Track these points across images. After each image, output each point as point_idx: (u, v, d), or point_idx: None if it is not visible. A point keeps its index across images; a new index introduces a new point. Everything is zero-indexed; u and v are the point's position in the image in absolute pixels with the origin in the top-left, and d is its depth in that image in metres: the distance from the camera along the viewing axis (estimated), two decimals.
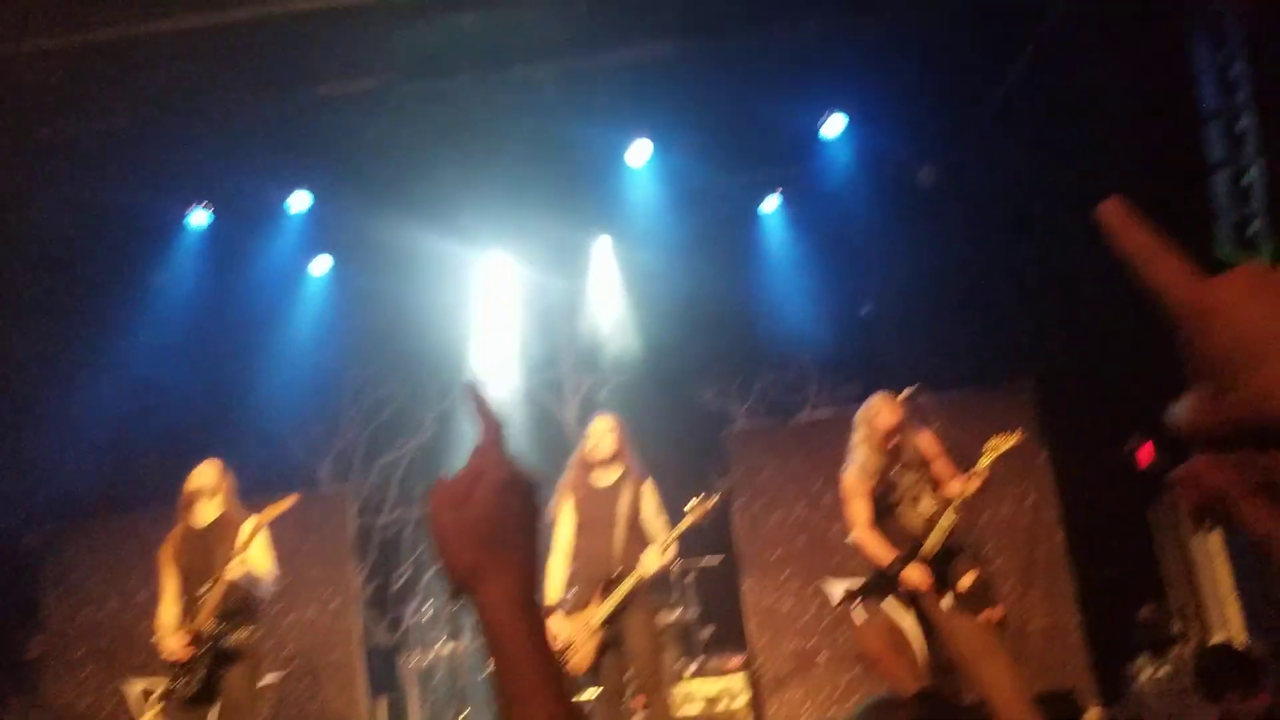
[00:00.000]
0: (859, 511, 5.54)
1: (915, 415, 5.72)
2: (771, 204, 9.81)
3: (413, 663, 8.02)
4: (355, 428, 9.61)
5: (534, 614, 0.92)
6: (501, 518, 0.93)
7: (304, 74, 7.19)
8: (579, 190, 9.10)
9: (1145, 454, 8.48)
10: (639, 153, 8.80)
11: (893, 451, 5.53)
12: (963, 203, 9.32)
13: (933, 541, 5.37)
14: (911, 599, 5.32)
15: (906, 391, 5.96)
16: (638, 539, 5.89)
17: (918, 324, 9.40)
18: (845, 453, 7.01)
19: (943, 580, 5.38)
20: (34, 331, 8.04)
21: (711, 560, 8.24)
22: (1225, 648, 5.28)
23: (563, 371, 10.09)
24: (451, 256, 9.25)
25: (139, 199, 8.17)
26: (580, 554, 5.93)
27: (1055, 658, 7.47)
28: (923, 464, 5.56)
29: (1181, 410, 0.69)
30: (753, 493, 8.01)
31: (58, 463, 8.05)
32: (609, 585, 5.76)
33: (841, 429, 8.22)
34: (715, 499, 5.99)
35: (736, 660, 7.74)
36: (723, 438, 8.51)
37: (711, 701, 7.37)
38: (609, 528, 5.85)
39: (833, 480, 5.97)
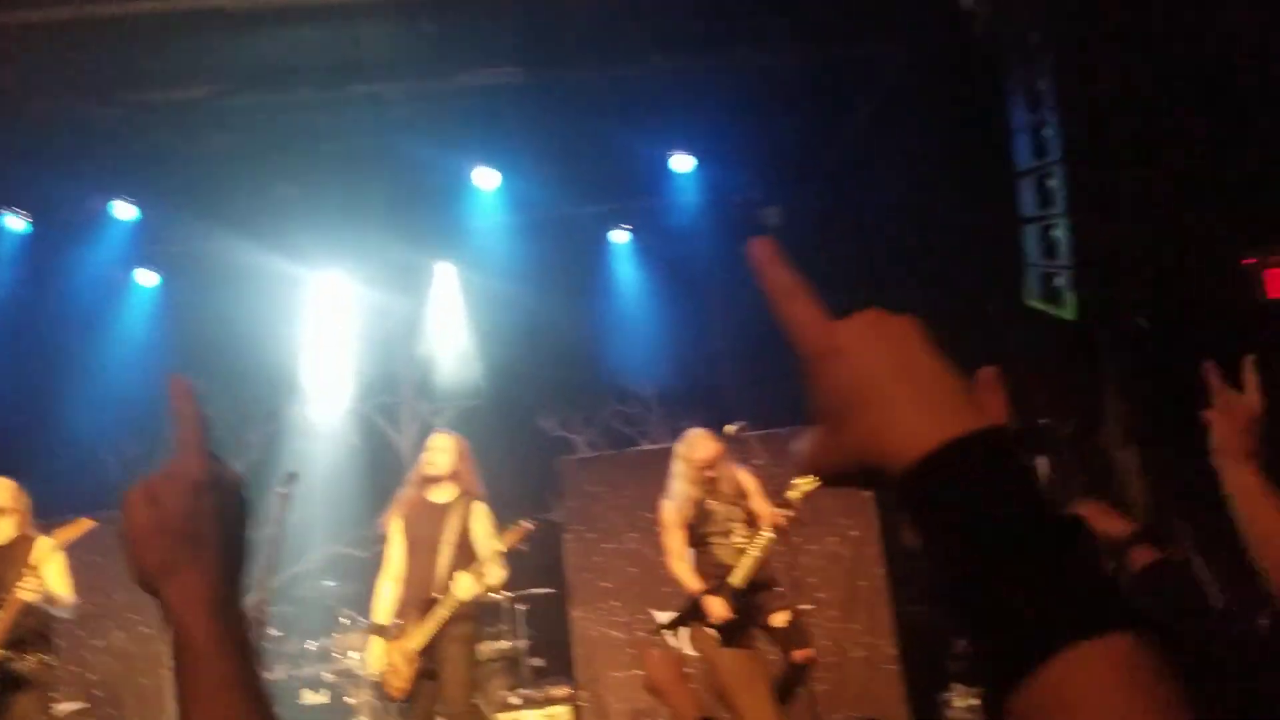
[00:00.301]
0: (673, 542, 5.72)
1: (737, 450, 5.87)
2: (620, 236, 9.90)
3: None
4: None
5: (226, 615, 0.88)
6: (195, 516, 0.90)
7: (132, 79, 6.90)
8: (423, 213, 9.00)
9: None
10: (486, 178, 8.76)
11: (708, 484, 5.72)
12: (805, 244, 9.60)
13: (740, 574, 5.51)
14: (721, 628, 5.43)
15: (730, 427, 6.10)
16: (467, 562, 5.75)
17: (757, 362, 9.60)
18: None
19: (756, 613, 5.54)
20: None
21: (543, 590, 8.20)
22: None
23: (401, 397, 9.92)
24: (286, 275, 9.00)
25: None
26: (408, 575, 5.79)
27: (873, 687, 7.68)
28: (740, 498, 5.74)
29: (803, 446, 0.73)
30: (586, 522, 8.01)
31: None
32: (427, 608, 5.64)
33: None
34: (530, 526, 5.88)
35: (563, 690, 7.69)
36: (557, 466, 8.50)
37: None
38: (435, 548, 5.70)
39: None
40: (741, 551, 5.58)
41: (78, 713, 6.65)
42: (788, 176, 9.42)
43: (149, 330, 9.06)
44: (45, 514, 7.48)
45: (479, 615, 5.93)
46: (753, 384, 9.24)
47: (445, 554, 5.68)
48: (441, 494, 5.92)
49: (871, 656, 7.85)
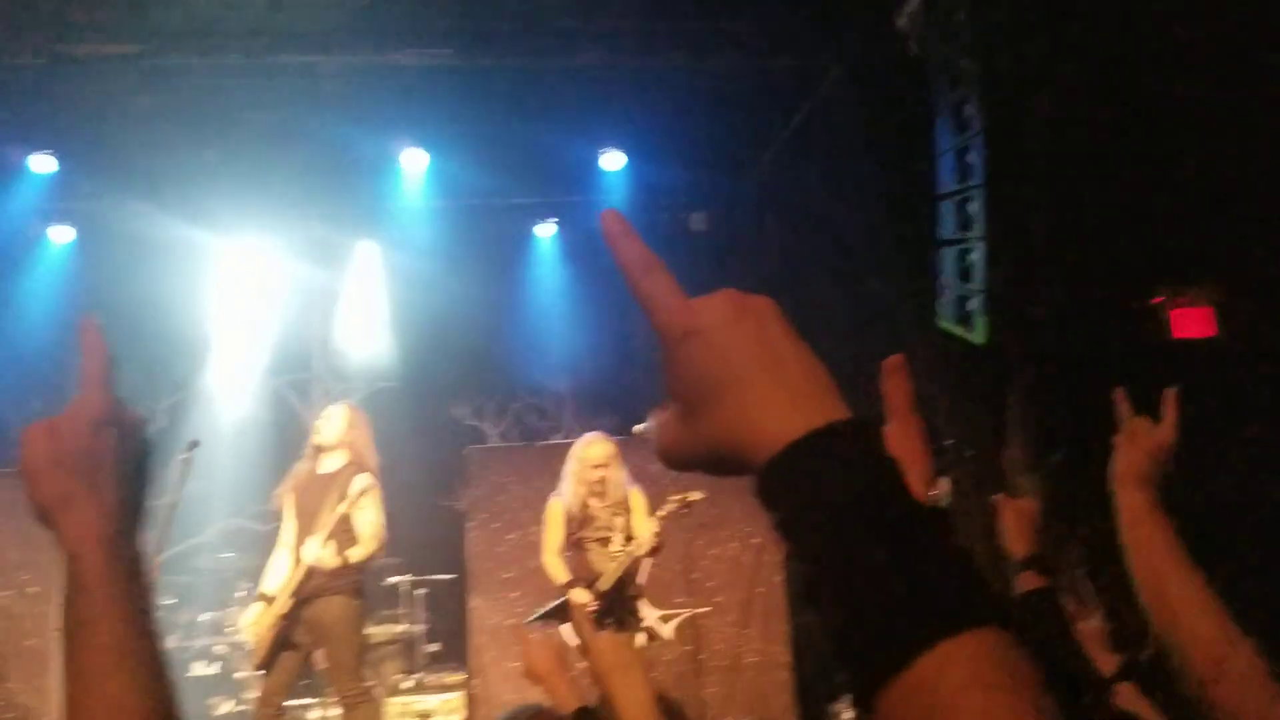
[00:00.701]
0: (551, 537, 5.91)
1: (632, 461, 6.01)
2: (546, 229, 9.87)
3: None
4: None
5: (120, 549, 0.89)
6: (94, 451, 0.92)
7: (59, 31, 6.69)
8: (348, 190, 8.89)
9: None
10: (414, 160, 8.67)
11: (596, 485, 5.89)
12: (728, 253, 9.70)
13: (608, 578, 5.76)
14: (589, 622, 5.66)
15: (639, 427, 6.20)
16: (345, 532, 5.66)
17: None
18: None
19: (615, 617, 5.77)
20: None
21: (443, 576, 8.16)
22: None
23: (313, 373, 9.76)
24: (203, 242, 8.80)
25: None
26: (296, 546, 5.70)
27: (764, 693, 7.77)
28: (625, 510, 5.92)
29: (654, 428, 0.71)
30: (491, 512, 7.97)
31: None
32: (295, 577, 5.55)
33: None
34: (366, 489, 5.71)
35: (457, 677, 7.66)
36: (465, 455, 8.45)
37: (425, 715, 7.25)
38: (315, 518, 5.62)
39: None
40: (610, 560, 5.81)
41: None
42: (717, 181, 9.50)
43: (59, 288, 8.79)
44: None
45: (357, 590, 5.73)
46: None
47: (323, 523, 5.57)
48: (330, 464, 5.81)
49: (764, 662, 7.95)
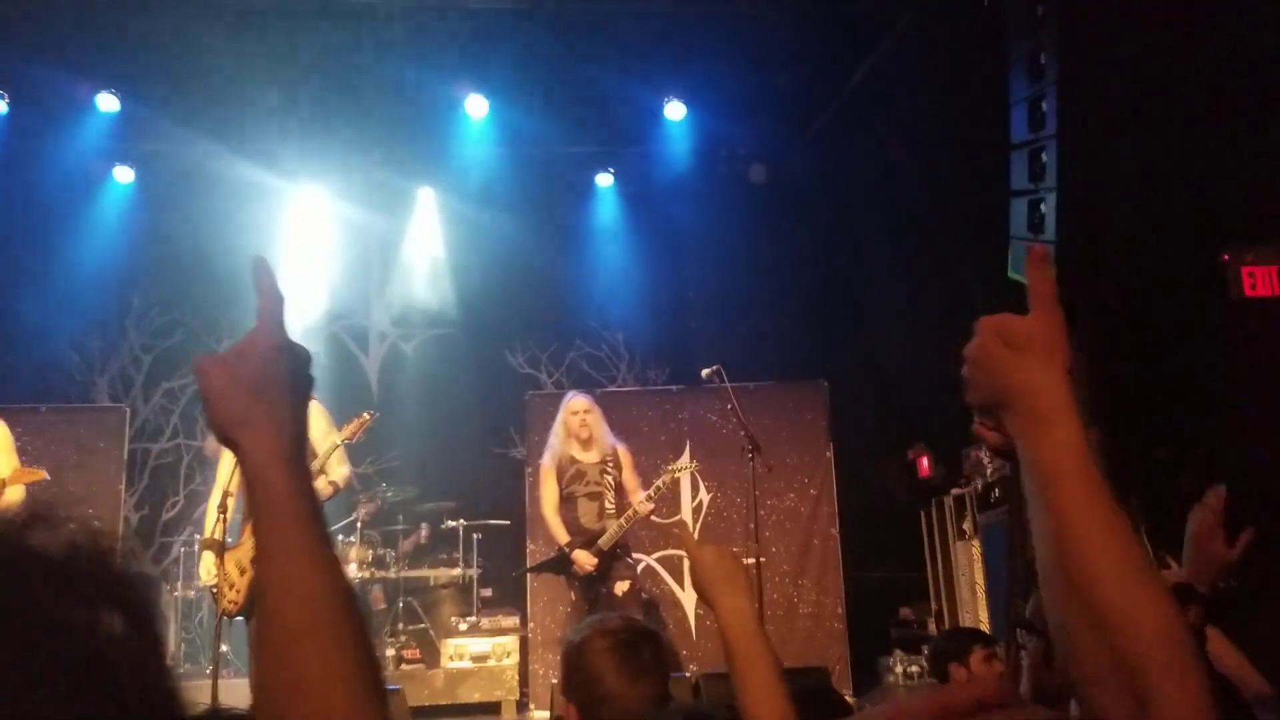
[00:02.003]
0: (547, 493, 6.24)
1: (692, 410, 6.09)
2: (605, 179, 9.84)
3: (176, 594, 7.67)
4: (139, 349, 9.11)
5: (298, 467, 0.95)
6: (272, 375, 0.97)
7: None
8: (409, 135, 8.90)
9: (923, 464, 8.96)
10: (476, 106, 8.66)
11: (580, 430, 6.20)
12: (789, 204, 9.61)
13: (607, 538, 6.02)
14: (579, 580, 6.06)
15: (706, 370, 6.23)
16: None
17: (730, 316, 9.63)
18: (642, 428, 7.50)
19: (605, 576, 6.05)
20: None
21: (498, 522, 8.25)
22: (954, 629, 5.62)
23: (371, 319, 9.83)
24: (263, 185, 8.86)
25: None
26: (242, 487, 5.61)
27: (818, 643, 7.79)
28: (614, 467, 6.20)
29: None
30: None
31: None
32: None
33: (644, 406, 8.39)
34: (368, 416, 5.68)
35: (512, 621, 7.75)
36: (525, 401, 8.50)
37: (481, 658, 7.36)
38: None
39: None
40: (607, 516, 6.07)
41: None
42: (777, 132, 9.40)
43: (120, 227, 8.90)
44: (2, 401, 7.41)
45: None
46: (721, 338, 9.27)
47: None
48: None
49: (818, 614, 7.96)
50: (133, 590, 0.64)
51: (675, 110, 9.11)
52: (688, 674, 6.70)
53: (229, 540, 5.22)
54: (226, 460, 5.49)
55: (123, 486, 7.97)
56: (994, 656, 3.92)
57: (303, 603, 0.88)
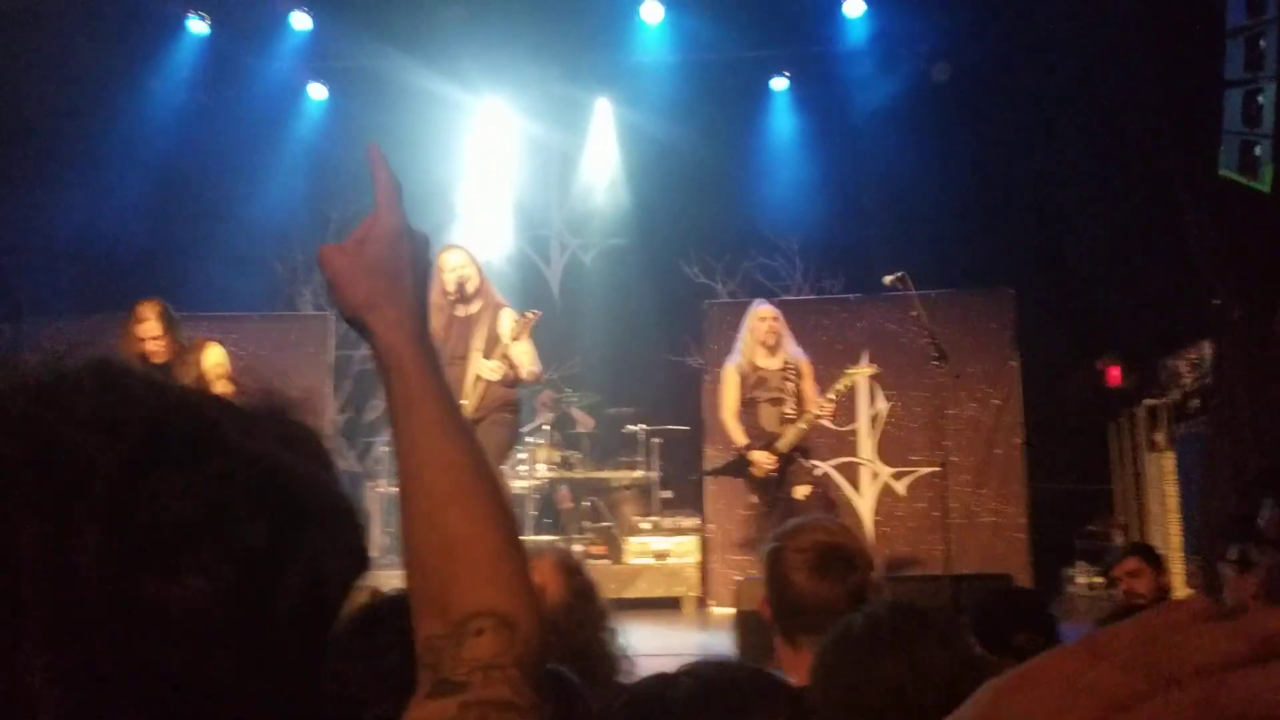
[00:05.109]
0: (728, 398, 6.24)
1: (871, 319, 5.96)
2: (781, 83, 9.68)
3: (379, 490, 8.17)
4: None
5: (425, 344, 0.98)
6: (395, 257, 0.99)
7: None
8: (586, 46, 8.95)
9: (1113, 374, 8.64)
10: (651, 12, 8.63)
11: (767, 338, 6.20)
12: (974, 105, 9.25)
13: (785, 441, 6.03)
14: (758, 482, 6.09)
15: (890, 276, 6.15)
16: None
17: (910, 222, 9.39)
18: (819, 337, 7.47)
19: (784, 480, 6.06)
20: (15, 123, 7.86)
21: (678, 427, 8.42)
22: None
23: (551, 230, 10.04)
24: (450, 99, 9.10)
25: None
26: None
27: (998, 553, 7.70)
28: (796, 376, 6.20)
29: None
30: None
31: (21, 267, 7.86)
32: None
33: (820, 315, 8.35)
34: (534, 315, 5.73)
35: (692, 522, 7.96)
36: (704, 309, 8.58)
37: (662, 555, 7.61)
38: (464, 357, 5.69)
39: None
40: (786, 421, 6.08)
41: None
42: (961, 27, 9.01)
43: (316, 143, 9.31)
44: (211, 309, 7.95)
45: (510, 407, 5.85)
46: (899, 246, 9.06)
47: (474, 360, 5.66)
48: (469, 309, 5.79)
49: (1000, 523, 7.86)
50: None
51: (854, 6, 8.85)
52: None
53: None
54: None
55: (330, 390, 8.49)
56: (1140, 571, 3.91)
57: (444, 470, 0.91)
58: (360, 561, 0.65)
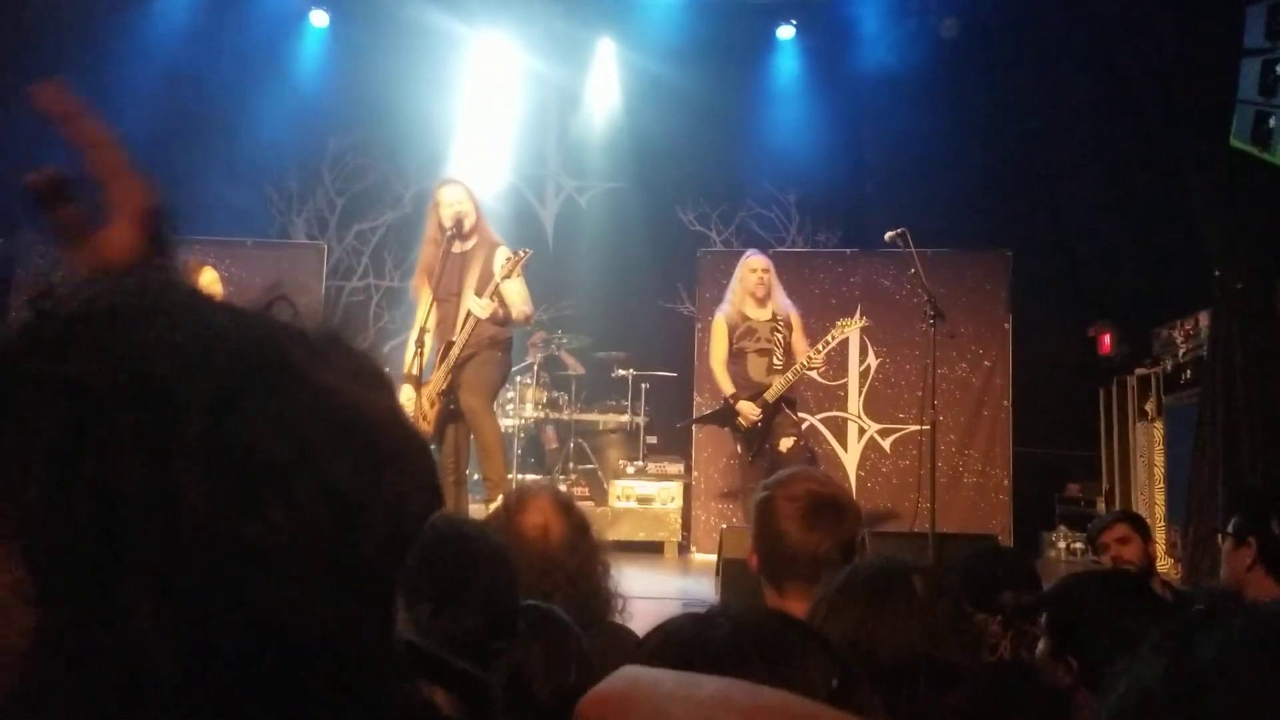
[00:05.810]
0: (717, 347, 6.30)
1: (866, 275, 5.91)
2: (787, 31, 9.53)
3: None
4: (333, 192, 9.46)
5: None
6: None
7: None
8: None
9: (1104, 341, 8.63)
10: None
11: (757, 289, 6.21)
12: (981, 62, 9.13)
13: (773, 391, 6.06)
14: (743, 432, 6.10)
15: (890, 233, 6.10)
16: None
17: (910, 179, 9.30)
18: (813, 290, 7.45)
19: (769, 432, 6.08)
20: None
21: (666, 374, 8.40)
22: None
23: (547, 170, 9.91)
24: (452, 31, 8.93)
25: None
26: (438, 325, 5.73)
27: (981, 513, 7.75)
28: (786, 328, 6.23)
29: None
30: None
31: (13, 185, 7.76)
32: (446, 350, 5.58)
33: (815, 268, 8.30)
34: (525, 253, 5.64)
35: (676, 468, 7.97)
36: (698, 258, 8.51)
37: (646, 499, 7.62)
38: (458, 294, 5.65)
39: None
40: (774, 372, 6.11)
41: None
42: None
43: (316, 71, 9.15)
44: (205, 233, 7.85)
45: (501, 345, 5.77)
46: (898, 203, 8.98)
47: (466, 298, 5.59)
48: (463, 245, 5.72)
49: (983, 484, 7.89)
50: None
51: None
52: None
53: (423, 376, 5.48)
54: (424, 300, 5.73)
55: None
56: (1130, 538, 3.89)
57: None
58: (435, 499, 0.62)
